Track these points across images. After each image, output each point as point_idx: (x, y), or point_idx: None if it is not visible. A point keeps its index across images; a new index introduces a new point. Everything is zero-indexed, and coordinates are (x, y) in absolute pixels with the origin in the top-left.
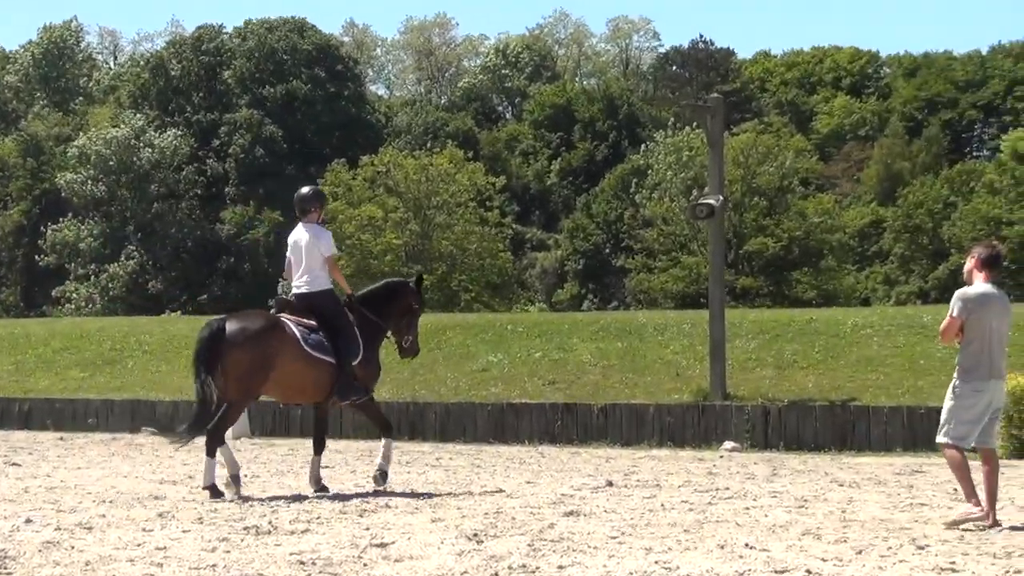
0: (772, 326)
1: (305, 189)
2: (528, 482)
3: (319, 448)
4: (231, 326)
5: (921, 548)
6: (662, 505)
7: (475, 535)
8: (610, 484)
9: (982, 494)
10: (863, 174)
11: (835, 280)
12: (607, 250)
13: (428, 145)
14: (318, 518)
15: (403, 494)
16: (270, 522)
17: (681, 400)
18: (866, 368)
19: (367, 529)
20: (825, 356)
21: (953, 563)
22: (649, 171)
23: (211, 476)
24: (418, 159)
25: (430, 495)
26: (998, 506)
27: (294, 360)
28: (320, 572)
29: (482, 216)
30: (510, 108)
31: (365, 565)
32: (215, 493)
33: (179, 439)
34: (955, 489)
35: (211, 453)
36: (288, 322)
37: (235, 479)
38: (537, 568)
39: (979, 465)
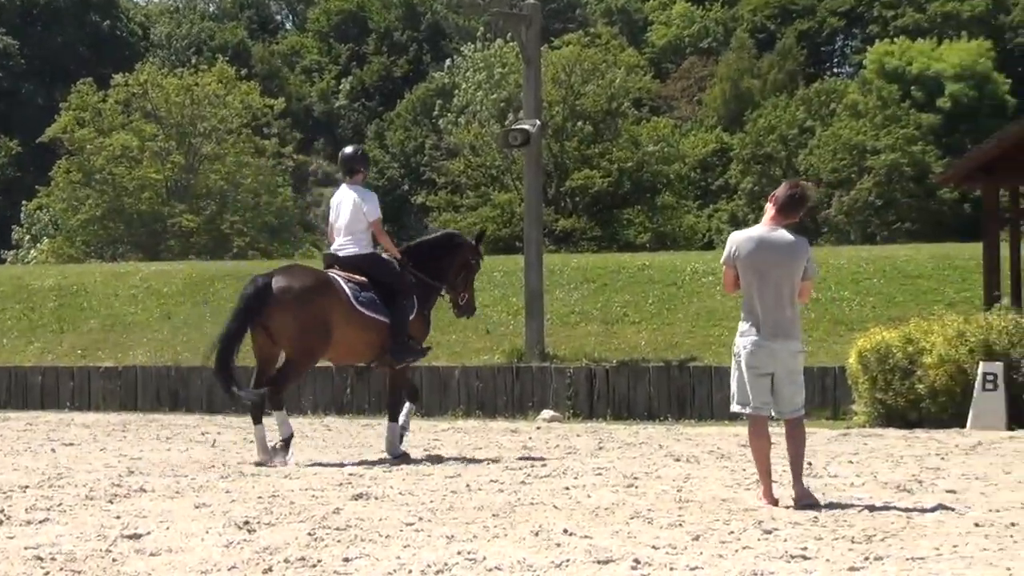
0: (598, 274)
1: (350, 149)
2: (311, 461)
3: (394, 414)
4: (278, 283)
5: (768, 532)
6: (467, 486)
7: (246, 523)
8: (407, 460)
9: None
10: (706, 95)
11: (673, 220)
12: (405, 186)
13: (193, 61)
14: (59, 505)
15: (161, 475)
16: (2, 511)
17: (491, 362)
18: (707, 322)
19: (117, 518)
20: (660, 309)
21: (804, 549)
22: (455, 92)
23: (264, 448)
24: (181, 78)
25: (193, 476)
26: (859, 482)
27: (347, 319)
28: (61, 569)
29: (257, 145)
30: (290, 17)
31: (114, 560)
32: (276, 458)
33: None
34: (809, 463)
35: (259, 420)
36: (338, 278)
37: (286, 444)
38: (319, 561)
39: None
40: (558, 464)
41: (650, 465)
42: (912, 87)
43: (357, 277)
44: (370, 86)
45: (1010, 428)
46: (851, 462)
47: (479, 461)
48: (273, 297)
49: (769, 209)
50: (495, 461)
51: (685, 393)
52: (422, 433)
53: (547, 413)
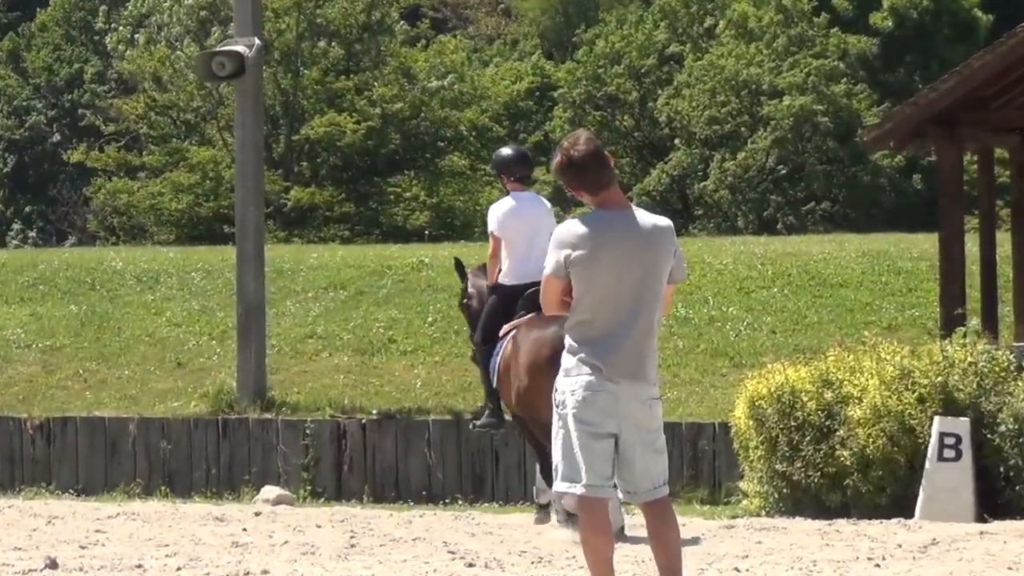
0: (352, 276)
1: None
2: None
3: None
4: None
5: None
6: None
7: None
8: (53, 566)
9: None
10: (517, 3)
11: (464, 194)
12: (55, 136)
13: None
14: None
15: None
16: None
17: (185, 411)
18: None
19: None
20: (445, 331)
21: None
22: None
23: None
24: None
25: None
26: None
27: None
28: None
29: None
30: None
31: None
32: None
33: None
34: None
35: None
36: None
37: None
38: None
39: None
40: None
41: (429, 574)
42: None
43: None
44: None
45: (981, 519)
46: (738, 571)
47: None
48: None
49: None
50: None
51: (484, 462)
52: (75, 521)
53: (271, 491)
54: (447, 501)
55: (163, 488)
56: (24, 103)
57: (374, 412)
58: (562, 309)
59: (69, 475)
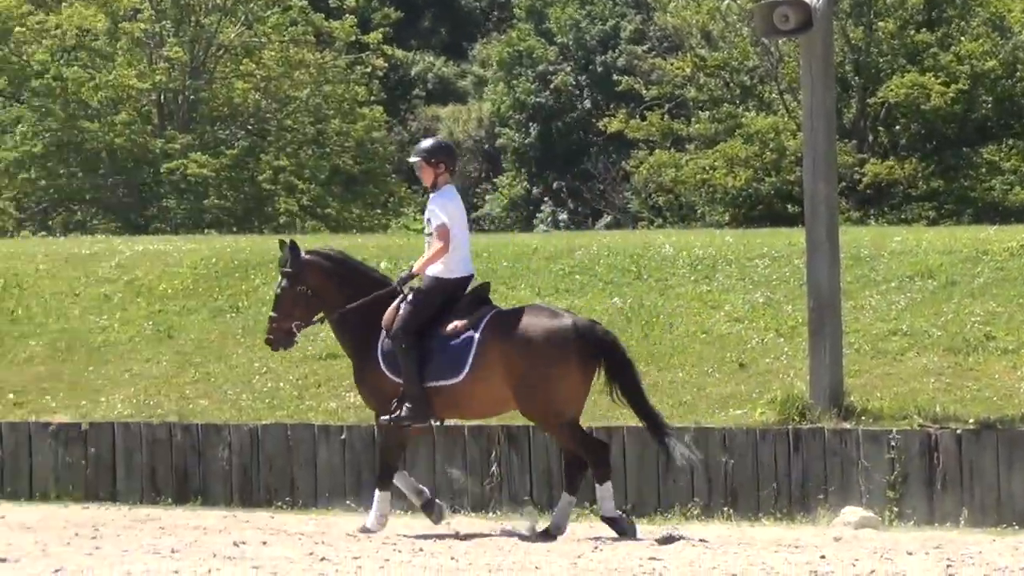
0: (939, 264)
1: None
2: None
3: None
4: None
5: None
6: None
7: None
8: None
9: None
10: None
11: None
12: (586, 102)
13: None
14: None
15: None
16: None
17: (748, 420)
18: None
19: None
20: None
21: None
22: None
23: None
24: None
25: None
26: None
27: None
28: None
29: (320, 29)
30: None
31: None
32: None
33: None
34: None
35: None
36: None
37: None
38: None
39: None
40: None
41: None
42: None
43: None
44: None
45: None
46: None
47: None
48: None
49: None
50: None
51: None
52: (626, 547)
53: (853, 512)
54: None
55: (725, 509)
56: (550, 67)
57: (970, 421)
58: None
59: (616, 493)
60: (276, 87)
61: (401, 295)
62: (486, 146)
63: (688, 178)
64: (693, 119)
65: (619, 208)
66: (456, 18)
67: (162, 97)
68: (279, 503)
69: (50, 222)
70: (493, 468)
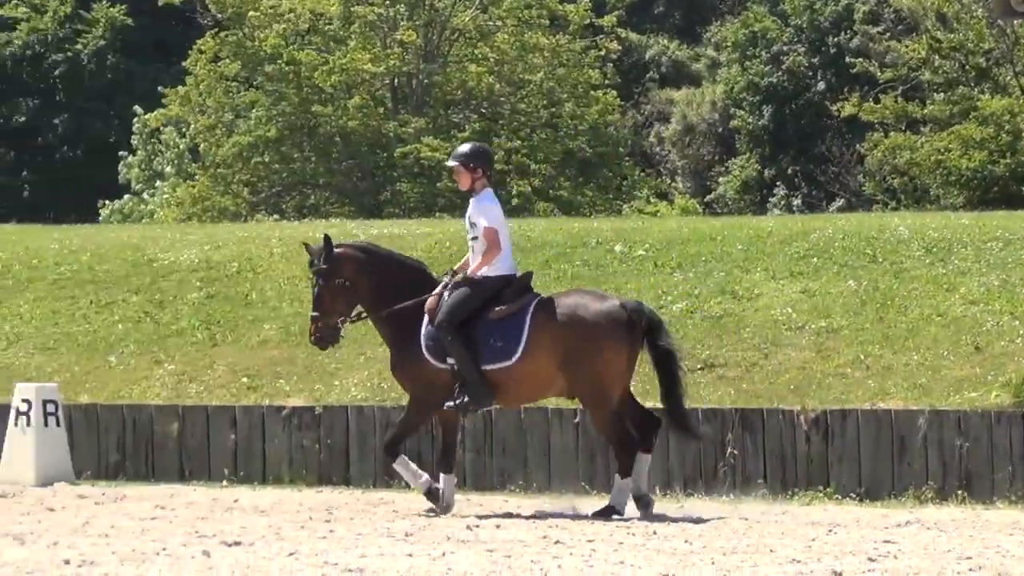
0: None
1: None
2: None
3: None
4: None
5: None
6: None
7: None
8: None
9: None
10: None
11: None
12: (820, 84)
13: None
14: None
15: None
16: None
17: (982, 401)
18: None
19: None
20: None
21: None
22: None
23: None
24: None
25: None
26: None
27: None
28: None
29: (554, 12)
30: None
31: None
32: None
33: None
34: None
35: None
36: None
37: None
38: None
39: None
40: None
41: None
42: None
43: None
44: None
45: None
46: None
47: None
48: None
49: None
50: None
51: None
52: (860, 530)
53: None
54: None
55: (960, 492)
56: (784, 48)
57: None
58: None
59: (850, 476)
60: (510, 71)
61: (443, 284)
62: (719, 129)
63: (923, 160)
64: (928, 101)
65: (852, 191)
66: (690, 1)
67: (395, 81)
68: (512, 487)
69: (283, 206)
70: (728, 450)
